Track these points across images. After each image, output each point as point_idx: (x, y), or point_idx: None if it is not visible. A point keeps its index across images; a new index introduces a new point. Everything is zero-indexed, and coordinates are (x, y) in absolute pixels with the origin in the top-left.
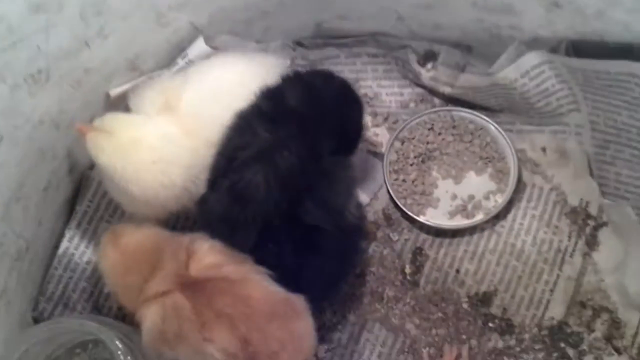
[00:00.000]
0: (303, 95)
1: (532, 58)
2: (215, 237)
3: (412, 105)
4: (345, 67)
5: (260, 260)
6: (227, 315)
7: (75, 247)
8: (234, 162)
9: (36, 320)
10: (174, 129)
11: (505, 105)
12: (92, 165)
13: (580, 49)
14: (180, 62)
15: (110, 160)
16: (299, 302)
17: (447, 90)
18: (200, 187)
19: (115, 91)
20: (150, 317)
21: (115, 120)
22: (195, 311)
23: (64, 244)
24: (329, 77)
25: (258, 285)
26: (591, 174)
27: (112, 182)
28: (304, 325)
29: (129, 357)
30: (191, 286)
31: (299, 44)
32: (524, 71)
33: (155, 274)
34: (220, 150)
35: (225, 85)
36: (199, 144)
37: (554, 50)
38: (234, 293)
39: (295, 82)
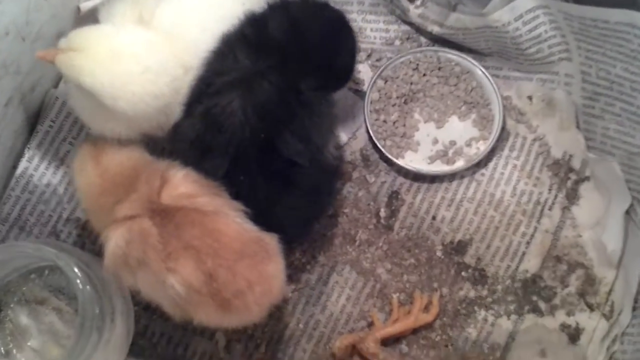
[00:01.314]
0: (286, 27)
1: (527, 1)
2: (187, 163)
3: (397, 42)
4: None
5: (231, 192)
6: (194, 248)
7: (34, 168)
8: (210, 88)
9: None
10: (154, 36)
11: (494, 49)
12: (56, 84)
13: None
14: None
15: (93, 78)
16: (271, 242)
17: (435, 29)
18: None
19: (85, 5)
20: (115, 239)
21: (85, 35)
22: (161, 239)
23: (23, 164)
24: (321, 9)
25: (230, 220)
26: (578, 127)
27: (95, 102)
28: (275, 267)
29: (87, 287)
30: (161, 213)
31: None
32: (517, 15)
33: (127, 196)
34: (199, 75)
35: (205, 3)
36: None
37: None
38: (204, 226)
39: (280, 11)
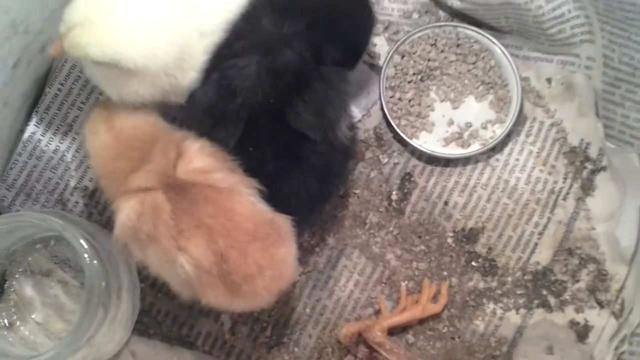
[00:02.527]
0: None
1: None
2: (199, 131)
3: (415, 15)
4: None
5: (239, 164)
6: (207, 227)
7: (42, 132)
8: (228, 51)
9: None
10: None
11: (514, 28)
12: None
13: None
14: None
15: (101, 47)
16: (284, 224)
17: (455, 3)
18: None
19: None
20: (126, 210)
21: (77, 7)
22: (174, 215)
23: (31, 128)
24: None
25: (245, 199)
26: (597, 114)
27: (113, 69)
28: (287, 251)
29: (95, 261)
30: (175, 188)
31: None
32: None
33: (142, 165)
34: (220, 40)
35: None
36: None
37: None
38: (218, 204)
39: None
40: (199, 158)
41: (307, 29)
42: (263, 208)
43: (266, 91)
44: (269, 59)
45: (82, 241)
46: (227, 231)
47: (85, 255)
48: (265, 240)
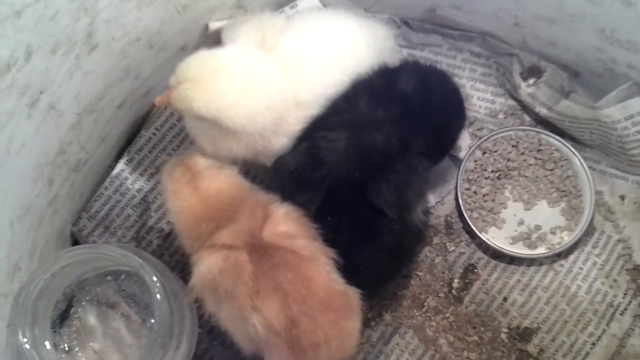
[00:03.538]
0: (417, 85)
1: None
2: (281, 194)
3: (500, 116)
4: (444, 58)
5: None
6: (284, 291)
7: (130, 171)
8: (322, 124)
9: (74, 235)
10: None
11: (596, 142)
12: None
13: None
14: (288, 10)
15: (205, 103)
16: (354, 297)
17: (543, 111)
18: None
19: (214, 24)
20: (208, 264)
21: (190, 64)
22: (254, 276)
23: (120, 166)
24: (445, 78)
25: (322, 269)
26: None
27: (212, 124)
28: (353, 324)
29: (165, 302)
30: (259, 250)
31: (406, 23)
32: (628, 114)
33: (228, 224)
34: (318, 114)
35: (330, 40)
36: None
37: None
38: (298, 271)
39: (413, 70)
40: (285, 223)
41: (400, 118)
42: (337, 279)
43: (352, 166)
44: (359, 137)
45: (155, 280)
46: (303, 298)
47: (158, 296)
48: (337, 312)
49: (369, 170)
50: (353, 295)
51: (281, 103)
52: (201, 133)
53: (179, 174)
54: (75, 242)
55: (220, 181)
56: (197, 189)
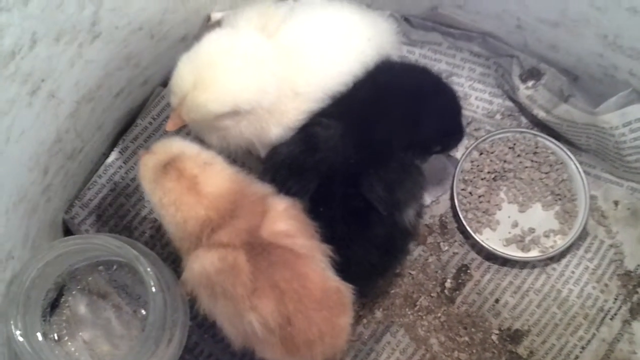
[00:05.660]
0: (416, 87)
1: (638, 110)
2: (273, 182)
3: (498, 117)
4: (443, 57)
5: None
6: (280, 290)
7: (124, 160)
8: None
9: (65, 223)
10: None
11: (593, 147)
12: (165, 82)
13: None
14: (290, 1)
15: (216, 101)
16: (347, 294)
17: (540, 114)
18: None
19: (216, 15)
20: (204, 263)
21: (183, 72)
22: (252, 275)
23: (115, 154)
24: (439, 80)
25: (317, 266)
26: None
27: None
28: (346, 321)
29: (160, 293)
30: (257, 248)
31: (406, 19)
32: (626, 121)
33: (228, 222)
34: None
35: (331, 31)
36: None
37: None
38: (295, 269)
39: (419, 69)
40: (285, 220)
41: (402, 114)
42: (331, 275)
43: (347, 153)
44: (355, 127)
45: (150, 272)
46: (298, 296)
47: (153, 289)
48: (331, 309)
49: (363, 161)
50: (346, 291)
51: (277, 83)
52: (208, 129)
53: (171, 183)
54: (66, 230)
55: (219, 179)
56: (201, 195)
